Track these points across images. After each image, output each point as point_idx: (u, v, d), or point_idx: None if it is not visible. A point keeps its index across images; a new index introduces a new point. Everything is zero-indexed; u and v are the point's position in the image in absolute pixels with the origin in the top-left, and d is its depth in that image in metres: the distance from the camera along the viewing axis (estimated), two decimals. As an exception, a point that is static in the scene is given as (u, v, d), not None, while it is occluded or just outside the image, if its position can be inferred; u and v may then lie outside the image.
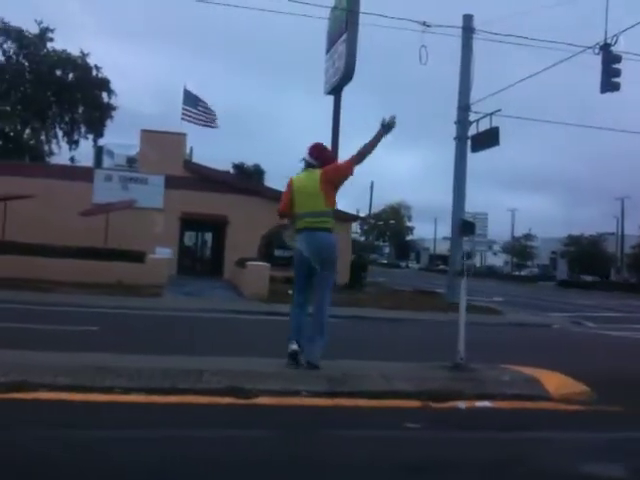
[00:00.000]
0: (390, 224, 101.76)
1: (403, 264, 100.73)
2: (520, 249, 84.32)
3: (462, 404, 5.54)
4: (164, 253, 21.70)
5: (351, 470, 3.82)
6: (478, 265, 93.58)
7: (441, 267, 73.57)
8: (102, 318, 12.36)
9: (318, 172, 6.22)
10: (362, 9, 21.63)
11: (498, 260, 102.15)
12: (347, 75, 22.05)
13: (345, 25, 21.90)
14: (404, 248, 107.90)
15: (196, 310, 14.69)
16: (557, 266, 68.64)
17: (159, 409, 4.98)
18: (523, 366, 6.90)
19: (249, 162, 68.27)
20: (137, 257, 20.19)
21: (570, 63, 20.00)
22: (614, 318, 22.41)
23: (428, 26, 19.51)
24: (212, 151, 76.46)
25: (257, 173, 67.55)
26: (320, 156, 6.38)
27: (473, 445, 4.51)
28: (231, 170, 66.81)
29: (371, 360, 6.89)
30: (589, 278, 60.97)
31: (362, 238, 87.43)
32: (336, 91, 23.16)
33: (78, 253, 19.79)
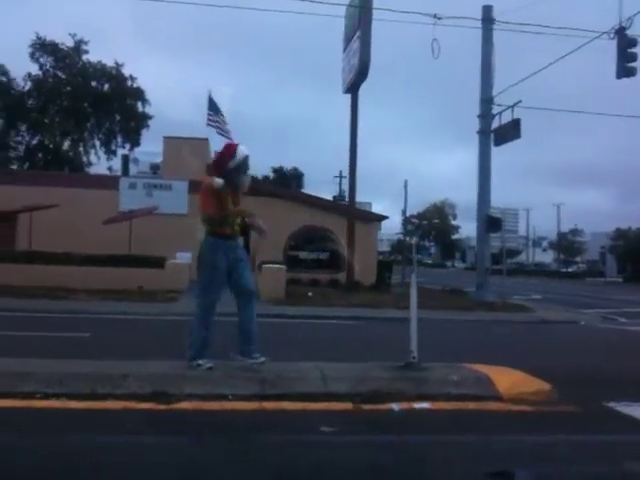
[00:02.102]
0: (434, 223, 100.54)
1: (448, 264, 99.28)
2: (567, 245, 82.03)
3: (396, 406, 5.26)
4: (184, 258, 21.74)
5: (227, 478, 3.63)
6: (526, 262, 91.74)
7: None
8: (102, 324, 12.44)
9: None
10: (376, 5, 21.35)
11: (547, 257, 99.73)
12: (362, 72, 21.71)
13: (358, 22, 21.62)
14: (449, 247, 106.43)
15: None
16: (606, 261, 66.48)
17: (73, 415, 4.87)
18: (487, 365, 6.55)
19: (288, 165, 68.77)
20: (157, 263, 20.30)
21: (592, 50, 19.32)
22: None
23: (439, 18, 19.10)
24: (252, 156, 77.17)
25: (296, 176, 67.99)
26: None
27: (377, 449, 4.25)
28: (270, 174, 67.46)
29: (326, 361, 6.60)
30: None
31: (407, 238, 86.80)
32: (353, 89, 22.85)
33: (99, 261, 20.01)
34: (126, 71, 43.31)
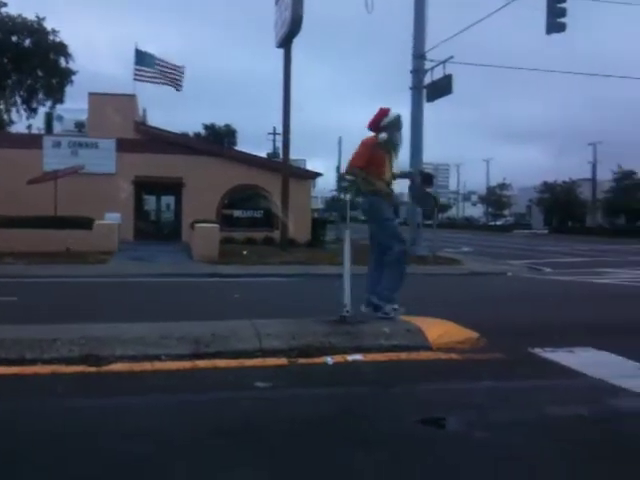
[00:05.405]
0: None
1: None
2: (496, 199, 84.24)
3: (330, 359, 5.34)
4: (113, 218, 21.28)
5: (144, 439, 3.59)
6: (456, 216, 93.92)
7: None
8: (29, 288, 12.10)
9: None
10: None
11: (477, 211, 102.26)
12: (294, 25, 21.27)
13: (289, -27, 21.11)
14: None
15: (132, 276, 14.34)
16: (532, 214, 68.74)
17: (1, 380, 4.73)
18: (418, 316, 6.70)
19: (220, 122, 67.40)
20: (85, 224, 19.78)
21: (524, 5, 19.53)
22: (575, 263, 22.39)
23: (371, -29, 18.87)
24: (180, 114, 75.53)
25: (229, 133, 66.77)
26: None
27: (311, 402, 4.32)
28: (202, 131, 66.05)
29: (261, 318, 6.59)
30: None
31: (341, 195, 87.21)
32: (286, 43, 22.44)
33: (24, 222, 19.36)
34: (48, 25, 41.21)
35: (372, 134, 6.77)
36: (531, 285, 14.89)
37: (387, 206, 6.72)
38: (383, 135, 6.62)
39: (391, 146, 6.77)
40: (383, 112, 6.74)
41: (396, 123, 6.78)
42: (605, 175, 63.47)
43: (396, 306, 6.59)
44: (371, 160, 6.56)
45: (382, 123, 6.68)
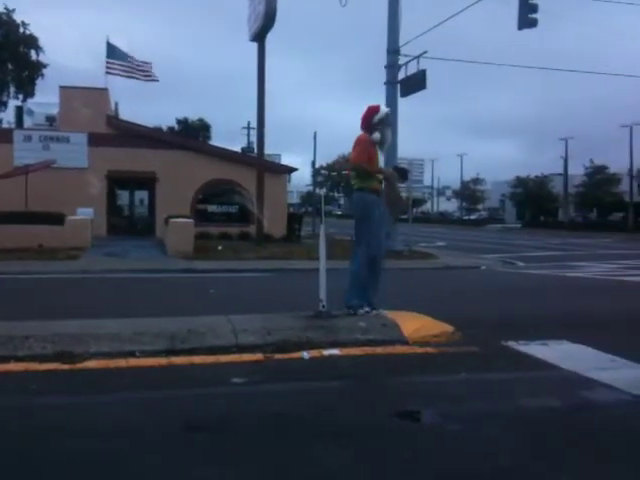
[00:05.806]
0: (343, 174, 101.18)
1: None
2: (470, 193, 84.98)
3: (307, 354, 5.34)
4: (86, 214, 21.03)
5: (120, 435, 3.56)
6: (431, 211, 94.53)
7: (393, 215, 73.80)
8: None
9: None
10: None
11: (452, 205, 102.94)
12: (268, 19, 21.19)
13: (263, -33, 20.99)
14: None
15: (106, 272, 14.19)
16: (505, 208, 69.43)
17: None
18: (394, 311, 6.72)
19: (193, 117, 66.77)
20: (57, 219, 19.50)
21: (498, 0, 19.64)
22: (548, 257, 22.66)
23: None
24: (153, 108, 74.74)
25: (202, 127, 66.19)
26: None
27: (287, 397, 4.32)
28: (175, 125, 65.41)
29: (237, 314, 6.56)
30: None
31: (316, 190, 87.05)
32: (259, 38, 22.35)
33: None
34: (17, 17, 40.49)
35: (362, 132, 6.74)
36: (505, 279, 15.03)
37: (378, 206, 6.67)
38: (377, 135, 6.65)
39: (380, 142, 6.78)
40: (373, 109, 6.76)
41: (386, 118, 6.84)
42: (577, 170, 64.42)
43: (367, 309, 6.54)
44: (369, 155, 6.62)
45: (373, 120, 6.68)
